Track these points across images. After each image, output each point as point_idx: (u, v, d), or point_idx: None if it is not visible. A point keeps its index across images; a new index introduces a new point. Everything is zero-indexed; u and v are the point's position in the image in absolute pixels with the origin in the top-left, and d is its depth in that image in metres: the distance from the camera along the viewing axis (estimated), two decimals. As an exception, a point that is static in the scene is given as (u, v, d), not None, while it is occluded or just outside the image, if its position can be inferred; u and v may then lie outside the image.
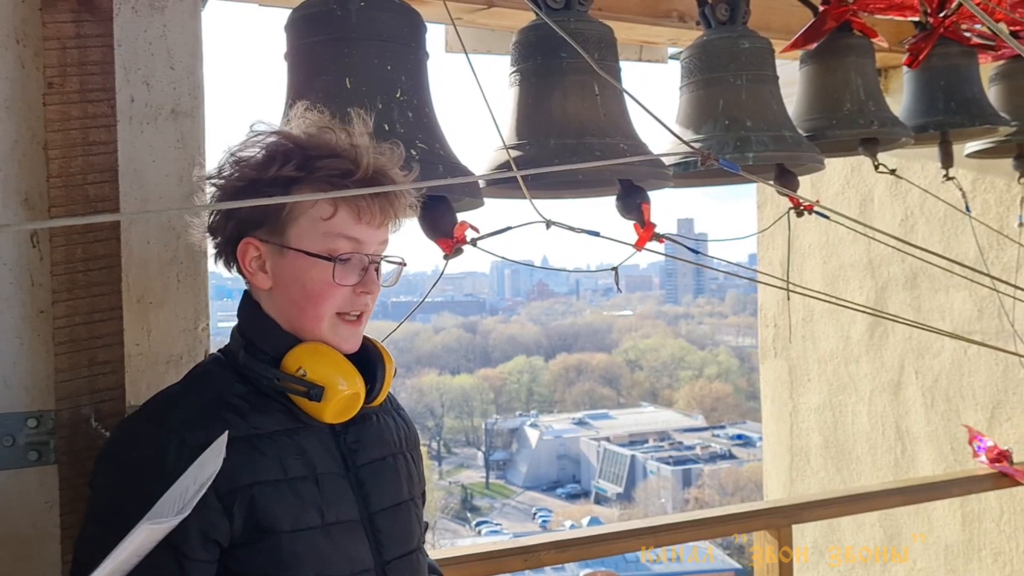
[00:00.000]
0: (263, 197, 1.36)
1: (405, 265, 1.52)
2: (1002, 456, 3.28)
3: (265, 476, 1.35)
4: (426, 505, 1.69)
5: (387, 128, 1.70)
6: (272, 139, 1.44)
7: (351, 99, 1.71)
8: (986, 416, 3.82)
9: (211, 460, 1.24)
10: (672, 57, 3.17)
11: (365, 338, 1.51)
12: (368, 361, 1.49)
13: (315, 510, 1.38)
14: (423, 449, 1.79)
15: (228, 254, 1.47)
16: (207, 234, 1.51)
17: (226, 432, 1.28)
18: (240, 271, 1.47)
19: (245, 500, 1.33)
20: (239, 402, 1.39)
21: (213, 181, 1.46)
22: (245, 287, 1.50)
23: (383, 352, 1.52)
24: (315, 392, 1.39)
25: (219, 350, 1.51)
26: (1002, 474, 3.26)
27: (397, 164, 1.47)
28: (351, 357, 1.46)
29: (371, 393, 1.47)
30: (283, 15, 1.86)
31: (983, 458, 3.31)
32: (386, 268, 1.50)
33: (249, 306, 1.48)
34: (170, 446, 1.32)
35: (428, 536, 1.74)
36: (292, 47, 1.82)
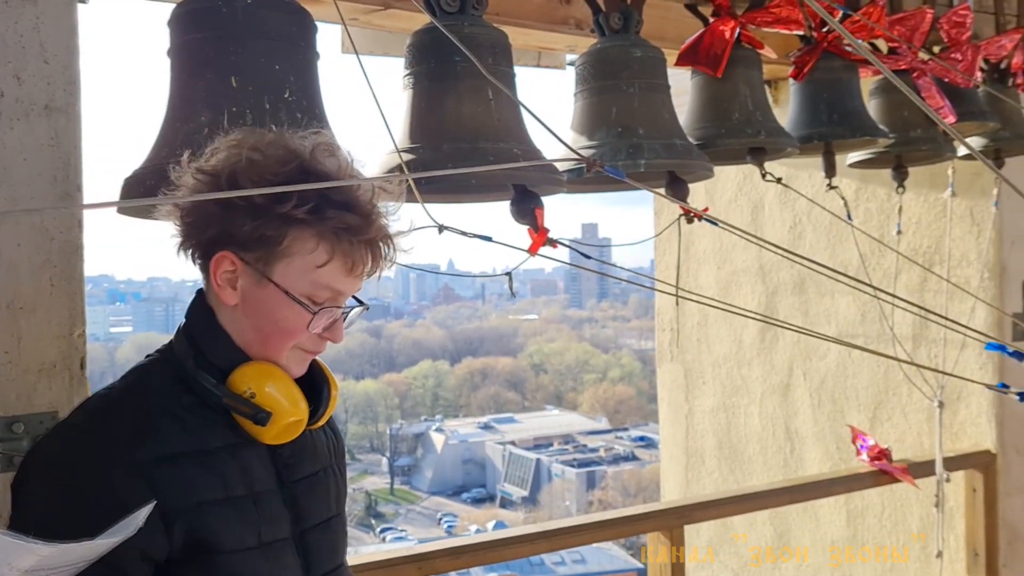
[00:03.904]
0: (259, 221, 1.33)
1: (368, 308, 1.51)
2: (882, 454, 3.42)
3: (209, 495, 1.32)
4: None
5: (275, 129, 1.66)
6: (294, 167, 1.37)
7: (237, 98, 1.67)
8: (868, 416, 3.98)
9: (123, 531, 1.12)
10: (571, 63, 3.20)
11: (313, 361, 1.51)
12: (314, 383, 1.49)
13: (253, 530, 1.36)
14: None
15: (201, 257, 1.41)
16: (176, 223, 1.41)
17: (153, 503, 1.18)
18: (205, 276, 1.41)
19: (188, 519, 1.29)
20: (185, 415, 1.35)
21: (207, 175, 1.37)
22: (199, 288, 1.45)
23: (328, 375, 1.52)
24: (261, 417, 1.36)
25: (161, 350, 1.44)
26: (882, 471, 3.40)
27: (399, 232, 1.45)
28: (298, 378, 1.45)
29: (314, 416, 1.46)
30: (168, 9, 1.80)
31: (864, 456, 3.45)
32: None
33: (203, 311, 1.43)
34: (118, 463, 1.26)
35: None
36: (175, 43, 1.77)
